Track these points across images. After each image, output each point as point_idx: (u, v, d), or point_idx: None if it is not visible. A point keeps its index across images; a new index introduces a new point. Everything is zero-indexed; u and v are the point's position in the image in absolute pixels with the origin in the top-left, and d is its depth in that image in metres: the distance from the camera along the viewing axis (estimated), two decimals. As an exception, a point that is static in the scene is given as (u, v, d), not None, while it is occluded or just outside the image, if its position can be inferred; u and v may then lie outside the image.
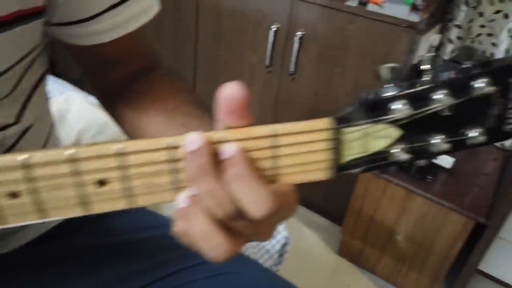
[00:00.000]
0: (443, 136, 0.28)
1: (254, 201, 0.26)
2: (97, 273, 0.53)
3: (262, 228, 0.29)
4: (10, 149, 0.46)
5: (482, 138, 0.28)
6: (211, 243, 0.27)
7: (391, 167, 0.29)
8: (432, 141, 0.28)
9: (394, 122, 0.28)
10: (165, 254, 0.55)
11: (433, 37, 1.37)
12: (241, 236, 0.28)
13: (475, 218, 1.17)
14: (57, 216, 0.27)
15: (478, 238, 1.20)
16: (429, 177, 1.26)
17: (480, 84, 0.27)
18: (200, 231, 0.27)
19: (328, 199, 1.63)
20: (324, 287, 1.44)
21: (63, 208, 0.27)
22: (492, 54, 1.40)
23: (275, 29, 1.42)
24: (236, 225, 0.27)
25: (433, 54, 1.40)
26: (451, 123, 0.28)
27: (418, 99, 0.27)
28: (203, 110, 0.43)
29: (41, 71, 0.48)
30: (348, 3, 1.26)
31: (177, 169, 0.27)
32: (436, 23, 1.36)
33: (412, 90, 0.27)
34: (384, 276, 1.47)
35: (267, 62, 1.49)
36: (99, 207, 0.27)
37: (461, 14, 1.36)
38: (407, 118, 0.27)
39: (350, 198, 1.39)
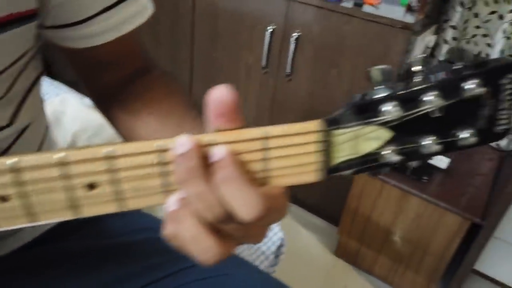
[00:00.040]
0: (434, 138, 0.28)
1: (244, 204, 0.25)
2: (93, 275, 0.53)
3: (253, 231, 0.29)
4: (5, 152, 0.46)
5: (473, 139, 0.28)
6: (201, 246, 0.27)
7: (382, 168, 0.29)
8: (423, 143, 0.28)
9: (384, 124, 0.28)
10: (161, 256, 0.55)
11: (428, 38, 1.38)
12: (232, 239, 0.28)
13: (471, 218, 1.17)
14: (47, 220, 0.27)
15: (473, 238, 1.20)
16: (425, 178, 1.26)
17: (470, 85, 0.27)
18: (190, 234, 0.27)
19: (324, 199, 1.63)
20: (321, 287, 1.44)
21: (53, 211, 0.27)
22: (487, 55, 1.40)
23: (271, 30, 1.42)
24: (226, 228, 0.27)
25: (426, 55, 1.40)
26: (442, 124, 0.28)
27: (408, 101, 0.27)
28: (197, 112, 0.43)
29: (35, 74, 0.48)
30: (344, 4, 1.27)
31: (167, 172, 0.27)
32: (432, 24, 1.37)
33: (403, 92, 0.27)
34: (381, 277, 1.48)
35: (263, 63, 1.49)
36: (89, 211, 0.27)
37: (456, 15, 1.37)
38: (397, 119, 0.27)
39: (347, 199, 1.39)
